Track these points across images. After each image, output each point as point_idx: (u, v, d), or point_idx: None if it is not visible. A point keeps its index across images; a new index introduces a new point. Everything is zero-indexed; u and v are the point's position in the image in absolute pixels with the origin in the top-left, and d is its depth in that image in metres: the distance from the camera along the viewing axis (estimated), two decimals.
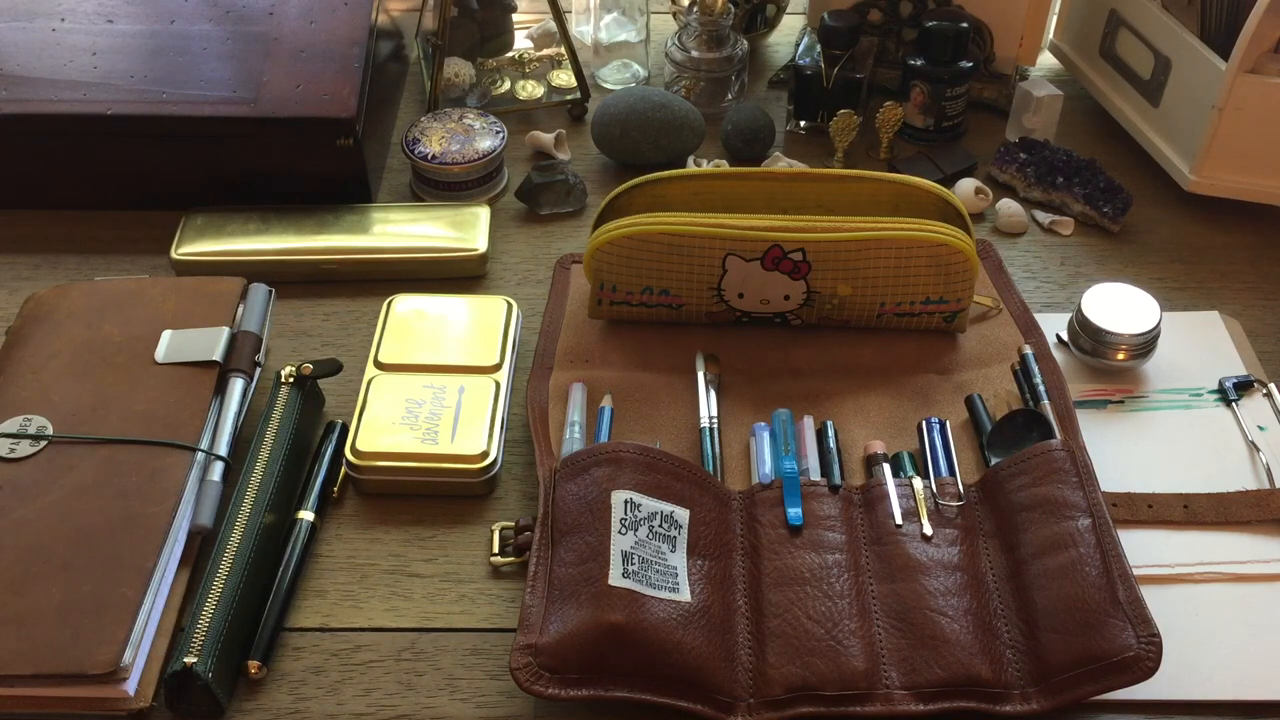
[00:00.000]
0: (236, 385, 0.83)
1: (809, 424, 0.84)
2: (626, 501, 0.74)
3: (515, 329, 0.90)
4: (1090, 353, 0.89)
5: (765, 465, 0.80)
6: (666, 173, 0.89)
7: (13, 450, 0.77)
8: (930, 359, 0.90)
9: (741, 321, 0.91)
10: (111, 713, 0.69)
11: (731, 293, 0.88)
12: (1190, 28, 1.00)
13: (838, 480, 0.79)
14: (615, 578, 0.70)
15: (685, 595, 0.72)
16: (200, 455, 0.78)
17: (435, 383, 0.85)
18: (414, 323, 0.89)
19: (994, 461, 0.80)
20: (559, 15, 1.10)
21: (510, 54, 1.16)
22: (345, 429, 0.84)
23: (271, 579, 0.75)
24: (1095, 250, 1.02)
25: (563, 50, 1.14)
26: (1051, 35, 1.19)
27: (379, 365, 0.86)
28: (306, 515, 0.79)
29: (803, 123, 1.13)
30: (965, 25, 1.07)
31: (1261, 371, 0.89)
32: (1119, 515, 0.78)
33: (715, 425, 0.84)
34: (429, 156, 1.02)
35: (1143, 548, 0.76)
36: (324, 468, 0.81)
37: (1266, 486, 0.81)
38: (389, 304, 0.91)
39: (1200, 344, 0.91)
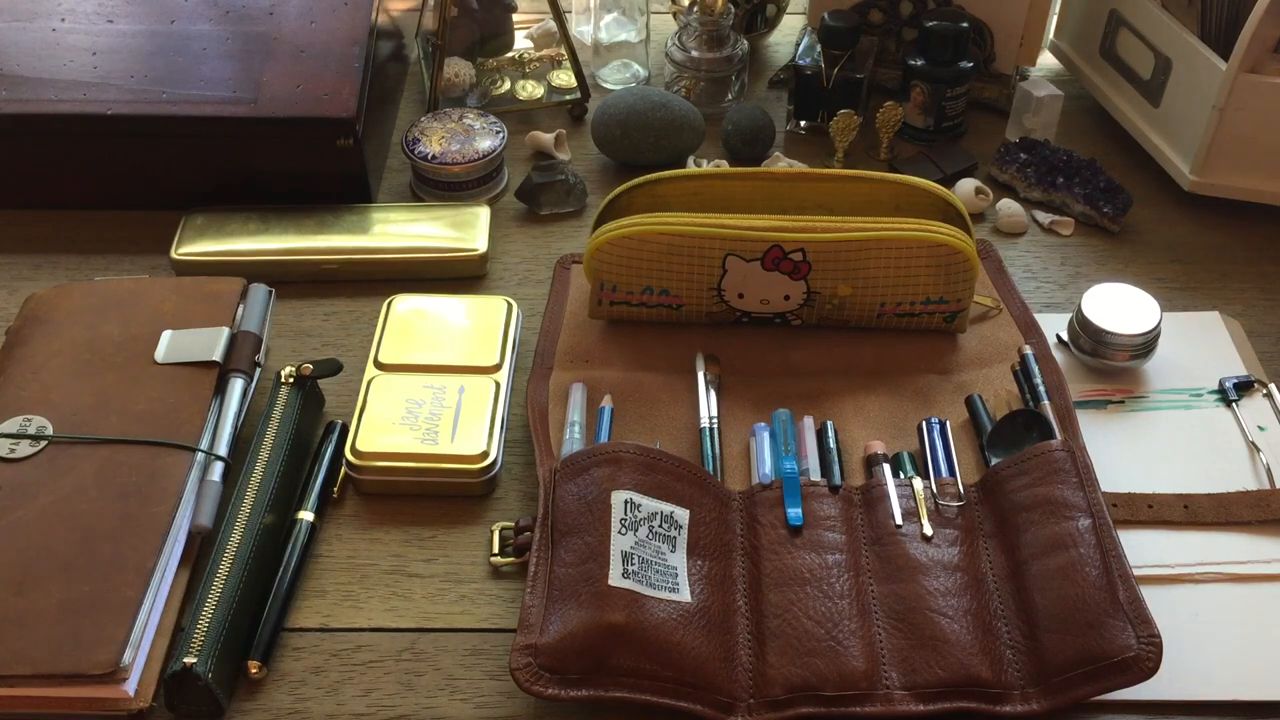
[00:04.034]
0: (236, 385, 0.83)
1: (809, 424, 0.84)
2: (626, 502, 0.74)
3: (515, 329, 0.90)
4: (1090, 353, 0.89)
5: (765, 465, 0.80)
6: (666, 173, 0.89)
7: (13, 450, 0.77)
8: (930, 359, 0.90)
9: (741, 321, 0.91)
10: (111, 713, 0.69)
11: (731, 293, 0.88)
12: (1190, 28, 1.00)
13: (838, 480, 0.79)
14: (615, 578, 0.70)
15: (685, 595, 0.72)
16: (200, 455, 0.78)
17: (435, 383, 0.85)
18: (414, 323, 0.89)
19: (994, 462, 0.80)
20: (559, 15, 1.10)
21: (510, 54, 1.16)
22: (345, 429, 0.84)
23: (271, 579, 0.75)
24: (1095, 250, 1.02)
25: (563, 50, 1.13)
26: (1051, 35, 1.19)
27: (379, 365, 0.86)
28: (306, 515, 0.79)
29: (803, 123, 1.13)
30: (965, 25, 1.07)
31: (1261, 371, 0.89)
32: (1119, 515, 0.78)
33: (715, 425, 0.84)
34: (429, 156, 1.02)
35: (1143, 548, 0.76)
36: (324, 468, 0.81)
37: (1266, 486, 0.81)
38: (389, 304, 0.91)
39: (1200, 344, 0.91)
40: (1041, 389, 0.84)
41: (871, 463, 0.81)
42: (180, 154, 1.00)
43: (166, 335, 0.84)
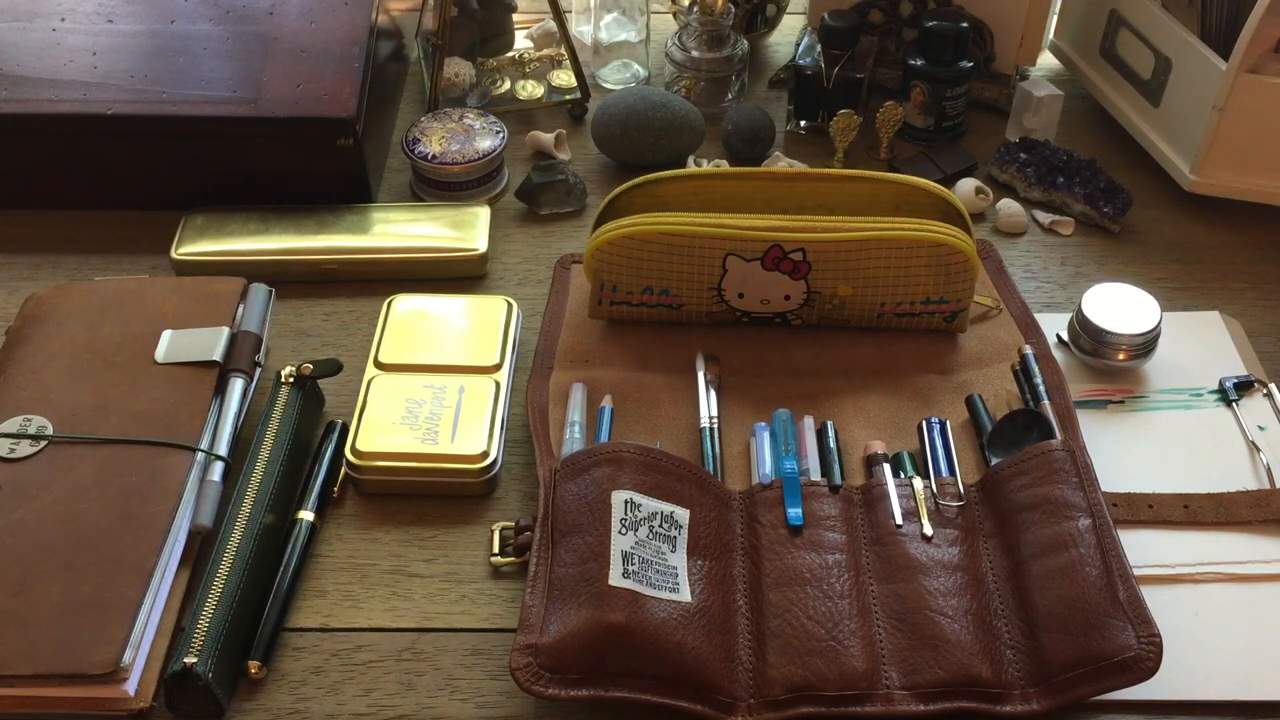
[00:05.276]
0: (236, 385, 0.83)
1: (809, 424, 0.84)
2: (626, 501, 0.74)
3: (515, 329, 0.90)
4: (1090, 353, 0.89)
5: (765, 465, 0.80)
6: (666, 173, 0.89)
7: (13, 450, 0.77)
8: (930, 359, 0.90)
9: (742, 321, 0.91)
10: (111, 713, 0.69)
11: (732, 293, 0.88)
12: (1190, 28, 1.00)
13: (838, 480, 0.79)
14: (615, 578, 0.70)
15: (685, 595, 0.72)
16: (200, 455, 0.78)
17: (435, 383, 0.85)
18: (414, 323, 0.89)
19: (994, 461, 0.80)
20: (559, 15, 1.10)
21: (510, 54, 1.16)
22: (345, 429, 0.84)
23: (271, 579, 0.75)
24: (1095, 250, 1.02)
25: (563, 50, 1.13)
26: (1051, 35, 1.19)
27: (379, 365, 0.86)
28: (306, 515, 0.79)
29: (803, 123, 1.13)
30: (965, 25, 1.07)
31: (1261, 371, 0.89)
32: (1119, 515, 0.78)
33: (715, 425, 0.84)
34: (429, 156, 1.02)
35: (1143, 548, 0.76)
36: (324, 468, 0.81)
37: (1266, 486, 0.81)
38: (389, 304, 0.91)
39: (1200, 344, 0.91)
40: (1041, 389, 0.84)
41: (871, 462, 0.81)
42: (180, 154, 1.00)
43: (166, 335, 0.84)
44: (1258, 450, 0.83)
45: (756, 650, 0.71)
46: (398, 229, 0.99)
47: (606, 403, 0.85)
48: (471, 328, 0.89)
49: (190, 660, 0.67)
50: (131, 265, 0.99)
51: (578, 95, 1.15)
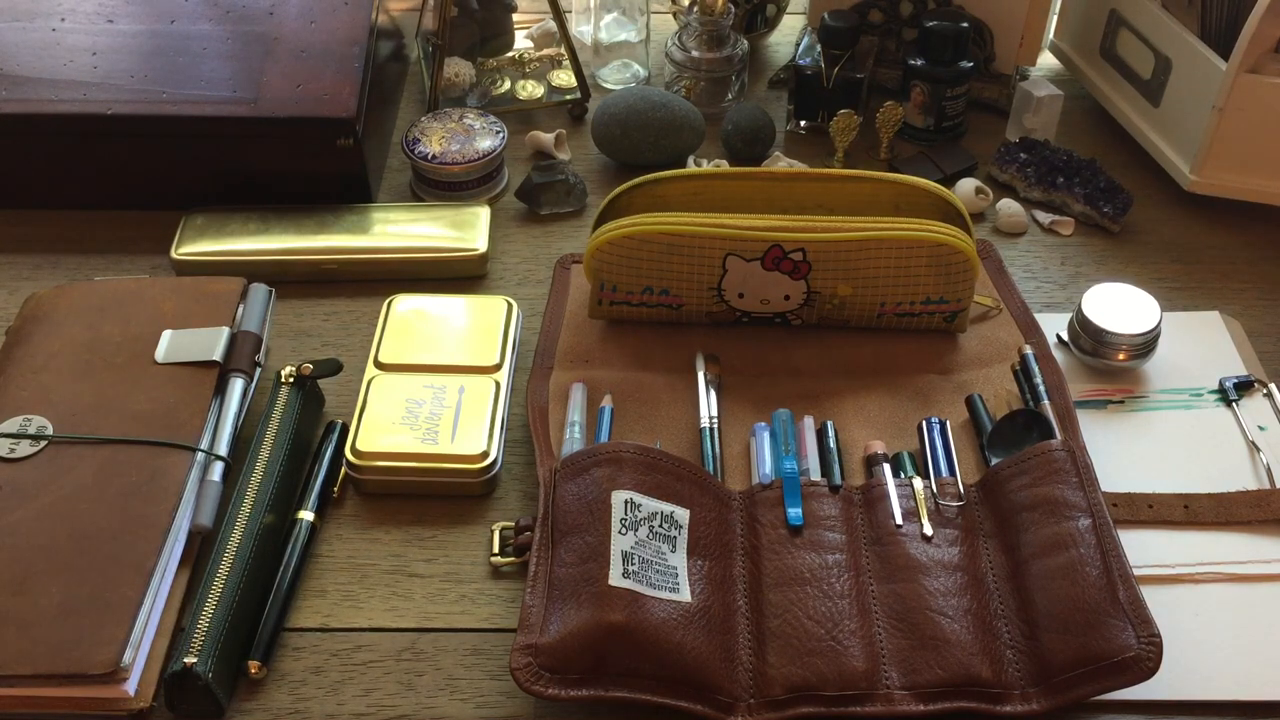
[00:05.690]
0: (236, 385, 0.83)
1: (809, 424, 0.84)
2: (626, 501, 0.74)
3: (515, 329, 0.90)
4: (1090, 353, 0.89)
5: (765, 465, 0.80)
6: (666, 173, 0.89)
7: (13, 450, 0.77)
8: (930, 359, 0.90)
9: (742, 321, 0.91)
10: (111, 713, 0.69)
11: (732, 293, 0.88)
12: (1190, 28, 1.01)
13: (838, 480, 0.79)
14: (615, 578, 0.70)
15: (685, 595, 0.72)
16: (200, 455, 0.78)
17: (435, 383, 0.85)
18: (414, 323, 0.89)
19: (994, 461, 0.80)
20: (559, 15, 1.10)
21: (510, 54, 1.16)
22: (345, 429, 0.84)
23: (271, 579, 0.75)
24: (1095, 250, 1.02)
25: (563, 50, 1.14)
26: (1051, 35, 1.19)
27: (379, 365, 0.86)
28: (306, 515, 0.79)
29: (803, 123, 1.13)
30: (965, 25, 1.07)
31: (1261, 371, 0.89)
32: (1119, 515, 0.78)
33: (715, 425, 0.84)
34: (429, 156, 1.02)
35: (1143, 548, 0.76)
36: (324, 468, 0.81)
37: (1266, 486, 0.81)
38: (389, 304, 0.91)
39: (1200, 344, 0.91)
40: (1041, 389, 0.84)
41: (871, 462, 0.81)
42: (180, 154, 1.00)
43: (166, 335, 0.84)
44: (1258, 450, 0.83)
45: (756, 650, 0.71)
46: (398, 229, 0.99)
47: (606, 403, 0.85)
48: (471, 328, 0.89)
49: (190, 660, 0.67)
50: (131, 265, 0.99)
51: (578, 95, 1.15)
